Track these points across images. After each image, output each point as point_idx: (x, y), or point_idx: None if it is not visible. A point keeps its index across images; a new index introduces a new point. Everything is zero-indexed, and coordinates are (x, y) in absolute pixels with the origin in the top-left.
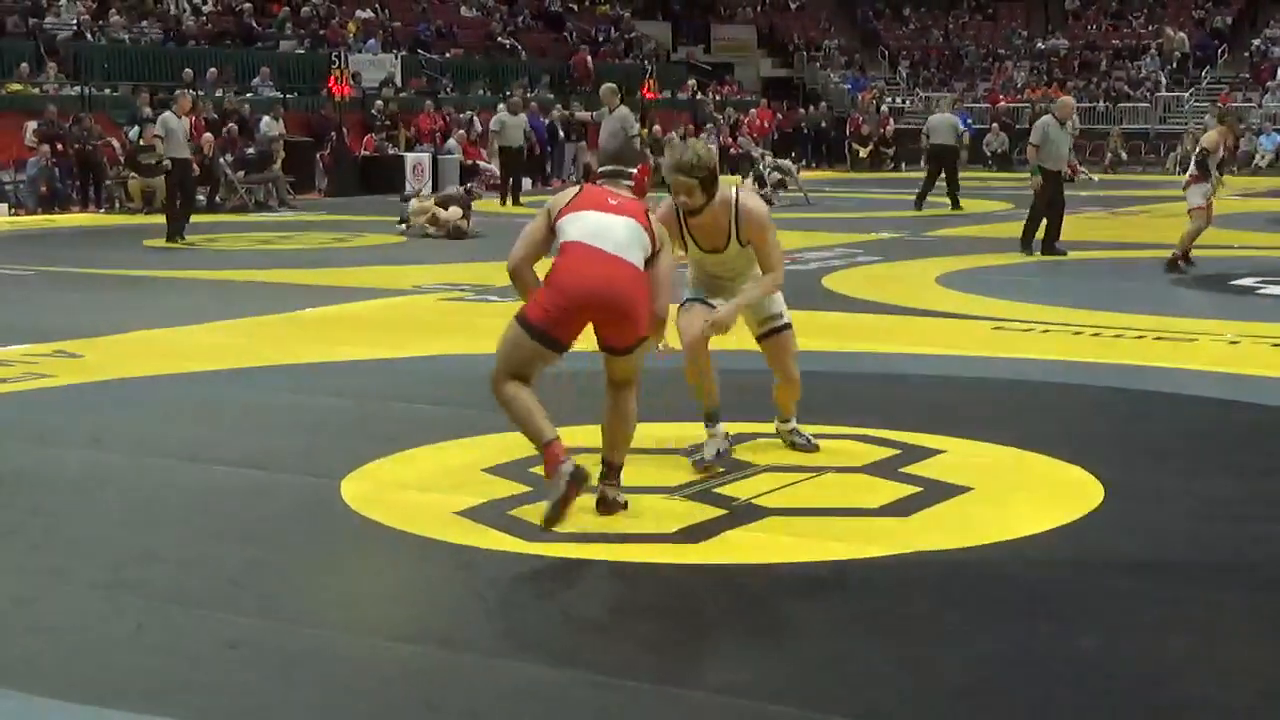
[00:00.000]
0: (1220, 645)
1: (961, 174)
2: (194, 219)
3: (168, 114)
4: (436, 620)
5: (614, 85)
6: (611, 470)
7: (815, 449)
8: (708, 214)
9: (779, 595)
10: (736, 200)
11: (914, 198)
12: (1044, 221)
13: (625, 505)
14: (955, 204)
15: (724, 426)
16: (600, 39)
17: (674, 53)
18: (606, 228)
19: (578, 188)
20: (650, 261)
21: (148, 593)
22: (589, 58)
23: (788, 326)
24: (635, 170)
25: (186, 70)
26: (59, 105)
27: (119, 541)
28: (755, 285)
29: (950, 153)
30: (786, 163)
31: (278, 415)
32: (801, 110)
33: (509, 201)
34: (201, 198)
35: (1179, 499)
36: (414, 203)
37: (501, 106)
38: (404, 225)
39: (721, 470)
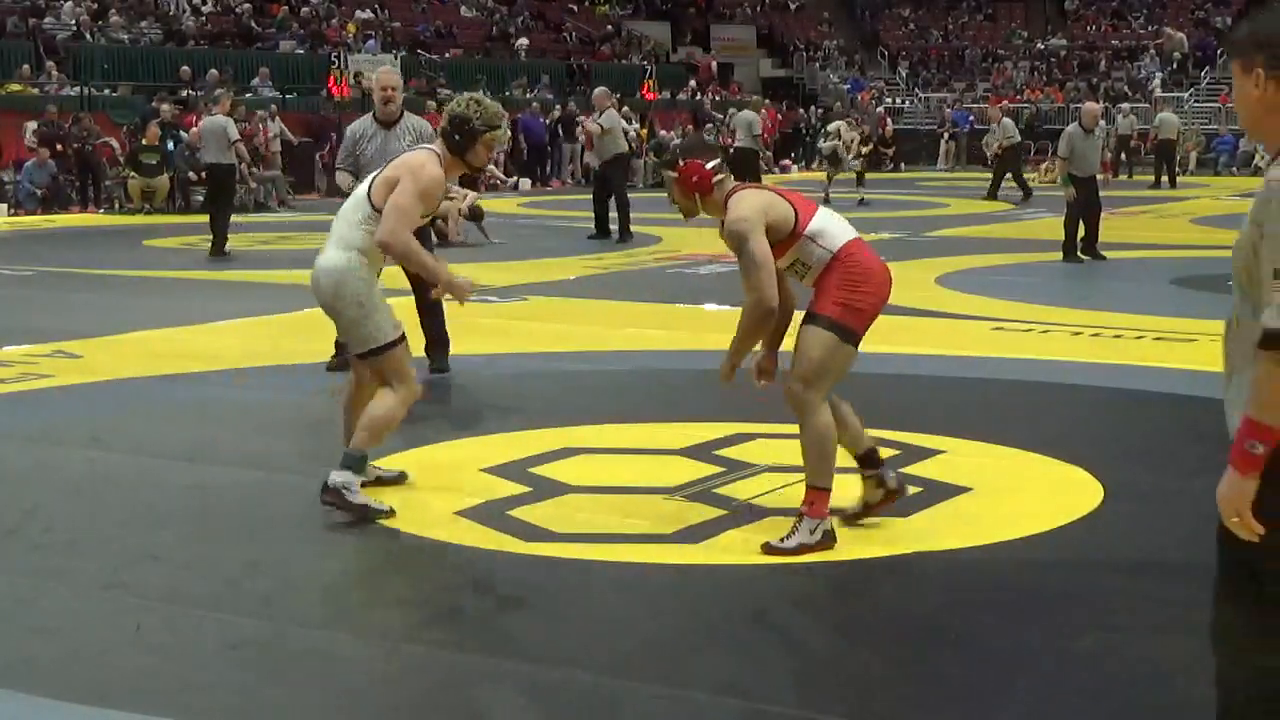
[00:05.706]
0: None
1: (961, 174)
2: (193, 219)
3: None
4: (436, 620)
5: (606, 89)
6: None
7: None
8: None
9: (778, 595)
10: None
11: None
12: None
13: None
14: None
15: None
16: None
17: (674, 53)
18: None
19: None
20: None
21: (148, 593)
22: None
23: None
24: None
25: (184, 68)
26: (59, 105)
27: (119, 541)
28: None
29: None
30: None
31: (278, 415)
32: (802, 111)
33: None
34: (199, 198)
35: (1179, 499)
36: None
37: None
38: None
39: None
